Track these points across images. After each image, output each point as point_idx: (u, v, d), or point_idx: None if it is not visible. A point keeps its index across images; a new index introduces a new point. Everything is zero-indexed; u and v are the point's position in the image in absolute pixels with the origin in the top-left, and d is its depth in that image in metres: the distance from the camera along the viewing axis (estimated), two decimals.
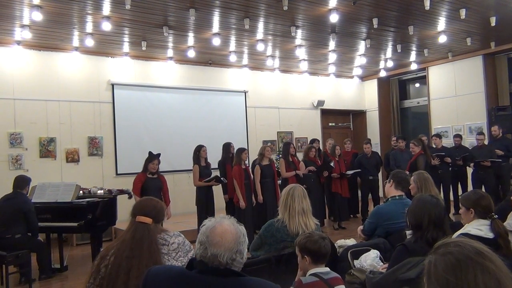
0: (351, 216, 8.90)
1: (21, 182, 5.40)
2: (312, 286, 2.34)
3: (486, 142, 8.24)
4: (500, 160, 7.88)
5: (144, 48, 7.98)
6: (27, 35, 6.92)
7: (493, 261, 1.12)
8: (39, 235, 5.62)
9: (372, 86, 12.44)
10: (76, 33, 7.24)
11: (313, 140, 8.95)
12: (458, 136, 8.84)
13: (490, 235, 2.58)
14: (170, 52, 8.76)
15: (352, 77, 12.33)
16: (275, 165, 7.56)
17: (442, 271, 1.13)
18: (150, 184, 6.09)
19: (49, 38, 7.46)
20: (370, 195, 8.47)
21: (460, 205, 2.84)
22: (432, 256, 1.19)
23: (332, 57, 9.69)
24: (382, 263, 2.93)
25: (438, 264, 1.15)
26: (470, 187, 8.15)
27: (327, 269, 2.44)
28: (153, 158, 6.18)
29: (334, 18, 6.70)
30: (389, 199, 3.68)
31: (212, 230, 1.67)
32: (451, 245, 1.17)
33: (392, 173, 3.84)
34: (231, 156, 7.21)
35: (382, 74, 11.44)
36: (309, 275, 2.41)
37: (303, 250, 2.46)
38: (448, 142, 9.43)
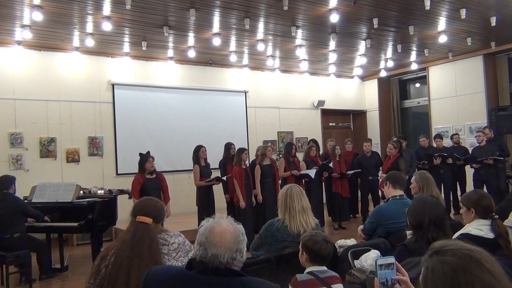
0: (352, 216, 8.89)
1: (6, 182, 5.37)
2: (306, 284, 2.35)
3: (485, 139, 8.17)
4: (502, 158, 7.88)
5: (144, 48, 7.98)
6: (27, 35, 6.92)
7: (493, 273, 1.09)
8: (38, 235, 5.63)
9: (372, 86, 12.44)
10: (76, 33, 7.24)
11: (310, 141, 8.93)
12: (456, 135, 8.91)
13: (490, 235, 2.58)
14: (170, 52, 8.77)
15: (352, 77, 12.32)
16: (276, 165, 7.56)
17: (439, 281, 1.12)
18: (149, 184, 6.01)
19: (50, 38, 7.46)
20: (370, 195, 8.45)
21: (461, 205, 2.83)
22: (429, 260, 1.18)
23: (333, 57, 9.69)
24: None
25: (435, 272, 1.14)
26: (469, 187, 8.14)
27: (324, 268, 2.45)
28: (146, 157, 6.09)
29: (334, 18, 6.70)
30: (390, 199, 3.68)
31: (211, 230, 1.67)
32: (448, 253, 1.15)
33: (386, 176, 3.86)
34: (232, 156, 7.21)
35: (383, 74, 11.44)
36: (305, 273, 2.43)
37: (303, 246, 2.49)
38: (448, 142, 9.41)
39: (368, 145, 8.49)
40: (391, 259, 1.62)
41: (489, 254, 1.15)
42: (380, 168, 8.14)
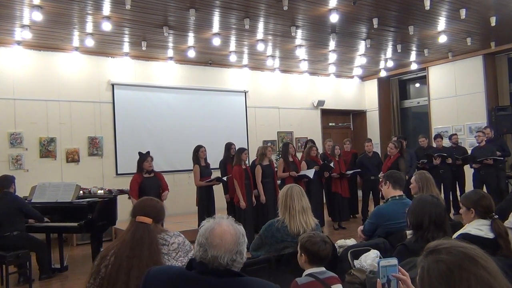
0: (351, 216, 8.89)
1: (6, 182, 5.40)
2: (307, 287, 2.35)
3: (485, 139, 8.15)
4: (502, 158, 7.87)
5: (144, 48, 7.98)
6: (27, 35, 6.92)
7: (487, 268, 1.10)
8: (38, 235, 5.63)
9: (372, 86, 12.44)
10: (76, 33, 7.24)
11: (308, 141, 8.92)
12: (455, 136, 8.93)
13: (490, 235, 2.58)
14: (170, 52, 8.76)
15: (352, 77, 12.33)
16: (275, 165, 7.56)
17: (435, 280, 1.13)
18: (148, 183, 6.01)
19: (49, 38, 7.46)
20: (371, 195, 8.44)
21: (461, 205, 2.83)
22: (425, 261, 1.19)
23: (332, 57, 9.69)
24: None
25: (431, 271, 1.15)
26: (468, 187, 8.14)
27: (323, 269, 2.45)
28: (145, 156, 6.10)
29: (334, 18, 6.70)
30: (389, 199, 3.68)
31: (211, 231, 1.66)
32: (443, 251, 1.16)
33: (386, 174, 3.84)
34: (232, 156, 7.21)
35: (382, 74, 11.44)
36: (305, 276, 2.42)
37: (302, 247, 2.48)
38: (448, 142, 9.41)
39: (370, 145, 8.49)
40: (393, 261, 1.62)
41: (483, 252, 1.16)
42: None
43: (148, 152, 6.23)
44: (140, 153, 6.23)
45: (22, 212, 5.30)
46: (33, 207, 5.47)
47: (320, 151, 9.28)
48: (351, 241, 3.65)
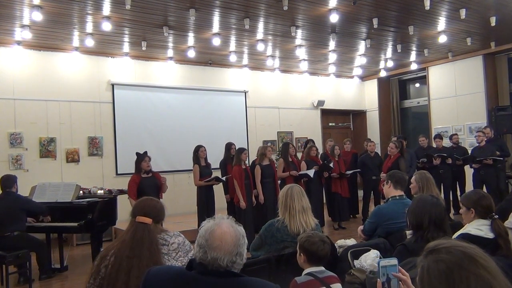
0: (351, 216, 8.89)
1: (8, 181, 5.40)
2: (306, 285, 2.36)
3: (485, 139, 8.14)
4: (501, 158, 7.88)
5: (144, 48, 7.98)
6: (27, 35, 6.92)
7: (487, 268, 1.10)
8: (38, 235, 5.64)
9: (372, 86, 12.44)
10: (76, 33, 7.24)
11: (308, 141, 8.93)
12: (455, 136, 8.92)
13: (490, 235, 2.58)
14: (170, 52, 8.76)
15: (352, 77, 12.33)
16: (275, 165, 7.57)
17: (435, 279, 1.13)
18: (146, 183, 5.97)
19: (49, 38, 7.46)
20: (372, 195, 8.43)
21: (461, 205, 2.83)
22: (424, 261, 1.19)
23: (332, 57, 9.69)
24: None
25: (430, 271, 1.15)
26: (468, 187, 8.14)
27: (322, 268, 2.47)
28: (142, 157, 6.07)
29: (334, 18, 6.70)
30: (390, 199, 3.68)
31: (211, 233, 1.65)
32: (442, 251, 1.16)
33: (388, 174, 3.83)
34: (232, 156, 7.21)
35: (382, 74, 11.44)
36: (304, 275, 2.43)
37: (301, 247, 2.50)
38: (448, 142, 9.41)
39: (372, 145, 8.50)
40: (393, 261, 1.62)
41: (483, 251, 1.16)
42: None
43: (145, 152, 6.19)
44: (137, 154, 6.20)
45: (25, 210, 5.29)
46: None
47: (320, 151, 9.28)
48: (351, 241, 3.65)
